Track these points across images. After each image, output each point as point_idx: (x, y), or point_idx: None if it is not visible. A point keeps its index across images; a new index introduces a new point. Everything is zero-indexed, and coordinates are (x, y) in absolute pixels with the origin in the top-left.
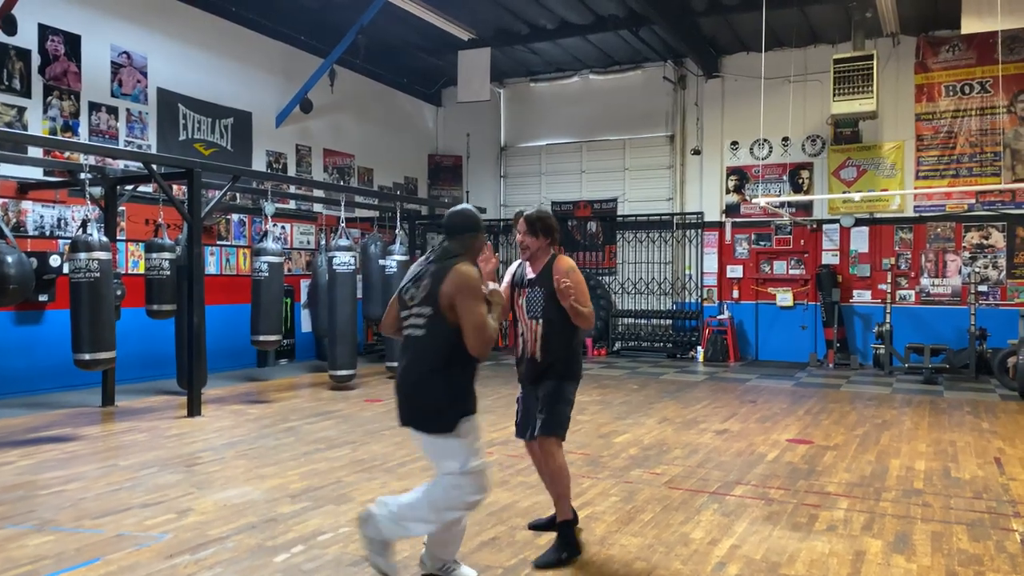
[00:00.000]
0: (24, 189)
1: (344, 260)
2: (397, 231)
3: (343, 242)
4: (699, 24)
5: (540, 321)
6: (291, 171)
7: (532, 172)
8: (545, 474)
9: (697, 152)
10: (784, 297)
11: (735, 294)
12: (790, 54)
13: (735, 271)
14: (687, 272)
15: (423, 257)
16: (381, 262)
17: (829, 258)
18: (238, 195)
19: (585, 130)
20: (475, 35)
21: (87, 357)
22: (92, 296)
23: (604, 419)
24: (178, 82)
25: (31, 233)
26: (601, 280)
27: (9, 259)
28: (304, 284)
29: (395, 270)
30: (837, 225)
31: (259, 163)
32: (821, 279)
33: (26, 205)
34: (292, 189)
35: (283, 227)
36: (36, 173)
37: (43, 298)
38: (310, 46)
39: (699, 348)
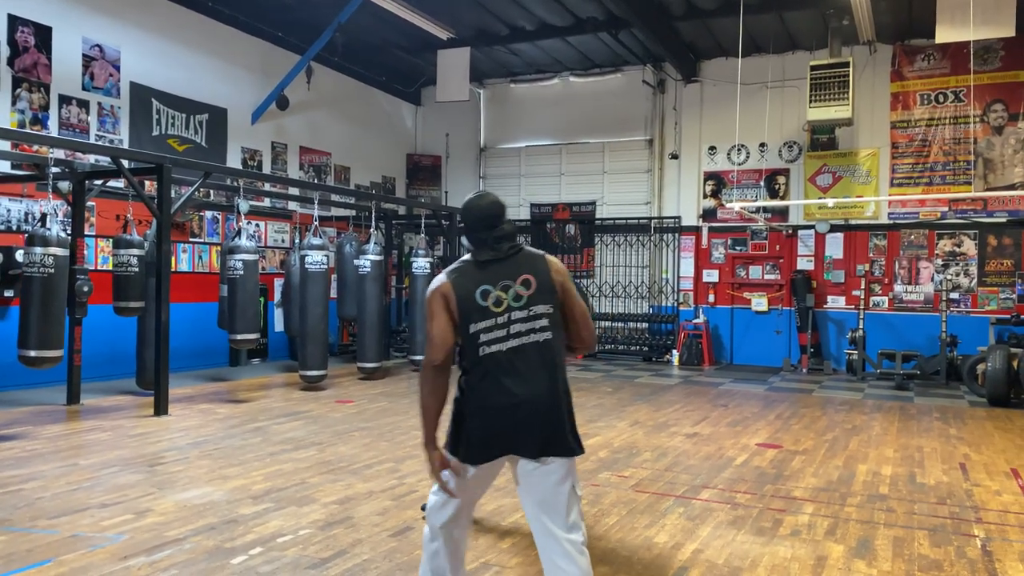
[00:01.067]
0: None
1: (316, 259)
2: (372, 231)
3: (315, 241)
4: (678, 29)
5: None
6: (266, 168)
7: (511, 173)
8: None
9: (675, 156)
10: (759, 302)
11: (711, 298)
12: (768, 60)
13: (711, 275)
14: (664, 276)
15: (467, 258)
16: (356, 262)
17: (804, 264)
18: (212, 192)
19: (565, 132)
20: (454, 35)
21: (32, 354)
22: (44, 292)
23: (576, 421)
24: (152, 76)
25: None
26: (578, 283)
27: None
28: (278, 283)
29: (369, 270)
30: (812, 231)
31: (234, 160)
32: (796, 284)
33: None
34: (267, 187)
35: (257, 225)
36: (3, 166)
37: (9, 293)
38: (287, 43)
39: (674, 352)
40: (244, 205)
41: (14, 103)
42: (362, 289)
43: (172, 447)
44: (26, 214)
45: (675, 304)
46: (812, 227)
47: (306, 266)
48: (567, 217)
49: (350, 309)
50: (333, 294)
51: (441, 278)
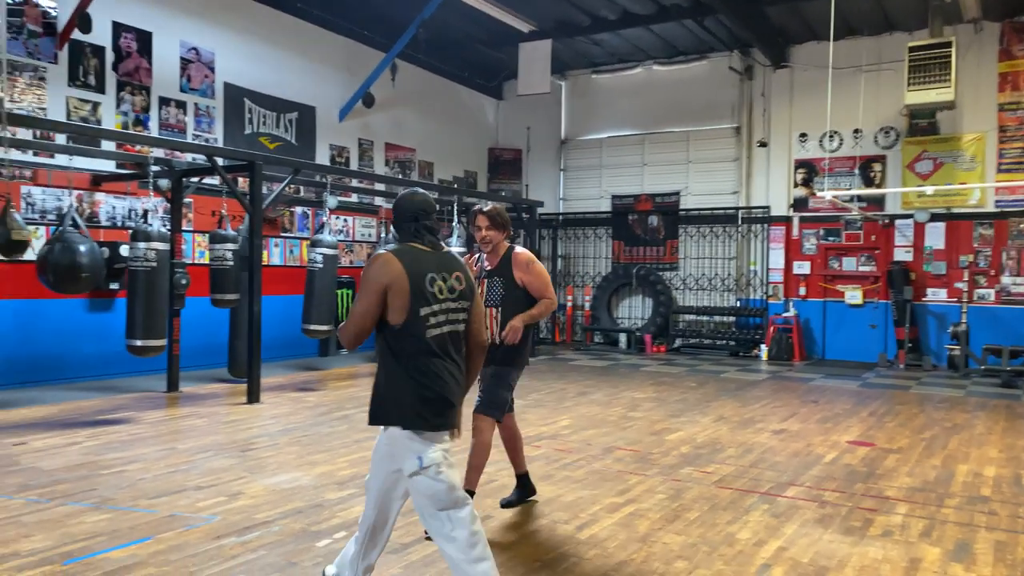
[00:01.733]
0: (97, 181)
1: None
2: (454, 224)
3: None
4: (766, 13)
5: (498, 309)
6: (353, 165)
7: (592, 165)
8: (503, 440)
9: (764, 144)
10: (853, 295)
11: (802, 291)
12: (862, 43)
13: (802, 267)
14: (752, 268)
15: (408, 244)
16: None
17: (902, 255)
18: (302, 188)
19: (647, 122)
20: (536, 27)
21: (139, 343)
22: (148, 285)
23: (658, 416)
24: (244, 77)
25: (104, 224)
26: (662, 276)
27: (82, 248)
28: None
29: None
30: (911, 220)
31: (322, 157)
32: (893, 276)
33: (99, 196)
34: (354, 183)
35: (345, 220)
36: (109, 166)
37: (114, 286)
38: (372, 40)
39: (763, 346)
40: (332, 201)
41: (118, 105)
42: None
43: (263, 433)
44: (130, 211)
45: (764, 297)
46: (911, 216)
47: None
48: (650, 208)
49: None
50: None
51: (390, 257)
